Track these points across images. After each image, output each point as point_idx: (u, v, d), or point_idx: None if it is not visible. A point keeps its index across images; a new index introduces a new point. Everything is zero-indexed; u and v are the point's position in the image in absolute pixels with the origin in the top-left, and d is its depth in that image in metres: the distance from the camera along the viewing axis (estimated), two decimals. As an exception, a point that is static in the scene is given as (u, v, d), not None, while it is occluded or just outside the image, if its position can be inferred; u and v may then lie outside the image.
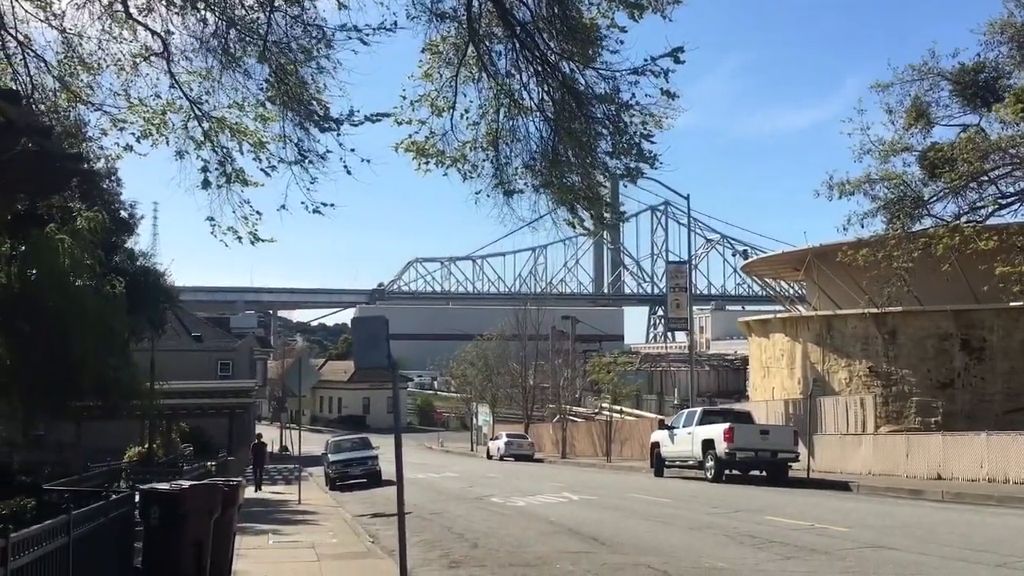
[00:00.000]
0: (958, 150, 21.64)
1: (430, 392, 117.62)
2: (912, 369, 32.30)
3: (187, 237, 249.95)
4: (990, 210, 22.50)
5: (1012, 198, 22.22)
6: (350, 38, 9.62)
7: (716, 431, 28.12)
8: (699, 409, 32.27)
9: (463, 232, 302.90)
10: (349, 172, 10.14)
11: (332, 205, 10.41)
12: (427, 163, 10.82)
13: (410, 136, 10.70)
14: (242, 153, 11.33)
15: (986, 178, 21.98)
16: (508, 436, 54.56)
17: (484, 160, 10.58)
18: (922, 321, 32.17)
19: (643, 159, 9.21)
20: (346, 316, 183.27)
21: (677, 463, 31.10)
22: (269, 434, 65.21)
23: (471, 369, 70.22)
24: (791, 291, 49.66)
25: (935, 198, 22.53)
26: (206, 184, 11.16)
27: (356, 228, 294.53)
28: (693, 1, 9.30)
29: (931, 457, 26.05)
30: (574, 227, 9.98)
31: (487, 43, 10.13)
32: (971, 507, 19.76)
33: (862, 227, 22.93)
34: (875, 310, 31.83)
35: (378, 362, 9.73)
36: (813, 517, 16.67)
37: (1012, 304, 25.73)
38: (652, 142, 9.13)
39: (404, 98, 10.49)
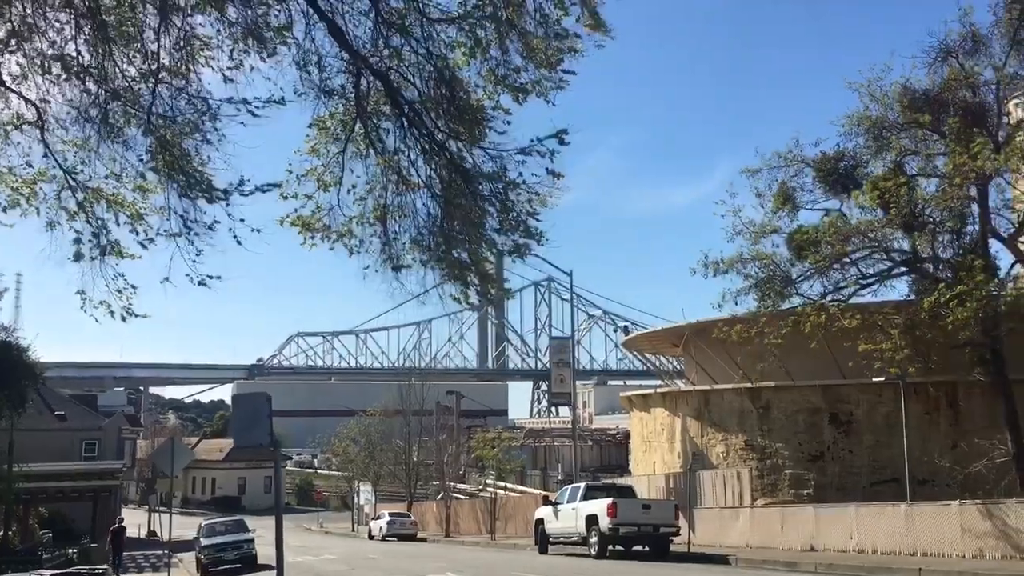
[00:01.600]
0: (822, 233, 22.87)
1: (310, 471, 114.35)
2: (785, 442, 33.38)
3: (54, 310, 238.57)
4: (852, 290, 23.73)
5: (872, 279, 23.53)
6: (239, 111, 9.56)
7: (600, 506, 28.24)
8: (583, 484, 32.44)
9: (346, 306, 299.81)
10: (239, 242, 10.00)
11: (219, 277, 10.19)
12: (313, 238, 10.74)
13: (296, 211, 10.61)
14: (118, 225, 11.01)
15: (848, 260, 23.22)
16: (390, 515, 53.40)
17: (372, 235, 10.56)
18: (793, 396, 33.41)
19: (530, 236, 9.41)
20: (222, 392, 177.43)
21: (561, 539, 30.99)
22: (137, 518, 61.88)
23: (353, 446, 68.75)
24: (671, 366, 50.90)
25: (802, 278, 23.61)
26: (78, 256, 10.77)
27: (235, 302, 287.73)
28: (577, 80, 9.64)
29: (804, 529, 26.81)
30: (460, 302, 10.04)
31: (375, 120, 10.21)
32: (843, 577, 20.36)
33: (736, 304, 23.78)
34: (749, 385, 32.92)
35: (259, 440, 9.45)
36: (694, 591, 16.84)
37: (875, 380, 27.01)
38: (538, 219, 9.36)
39: (290, 172, 10.43)
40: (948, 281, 21.42)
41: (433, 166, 10.03)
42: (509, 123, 9.38)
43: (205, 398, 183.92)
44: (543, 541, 32.07)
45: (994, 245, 23.20)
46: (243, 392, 11.46)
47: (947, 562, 21.16)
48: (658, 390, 42.62)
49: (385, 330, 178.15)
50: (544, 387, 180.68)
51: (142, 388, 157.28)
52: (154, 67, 9.63)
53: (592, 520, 28.32)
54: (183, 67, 9.66)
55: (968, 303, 20.20)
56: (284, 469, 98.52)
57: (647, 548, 28.38)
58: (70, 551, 27.10)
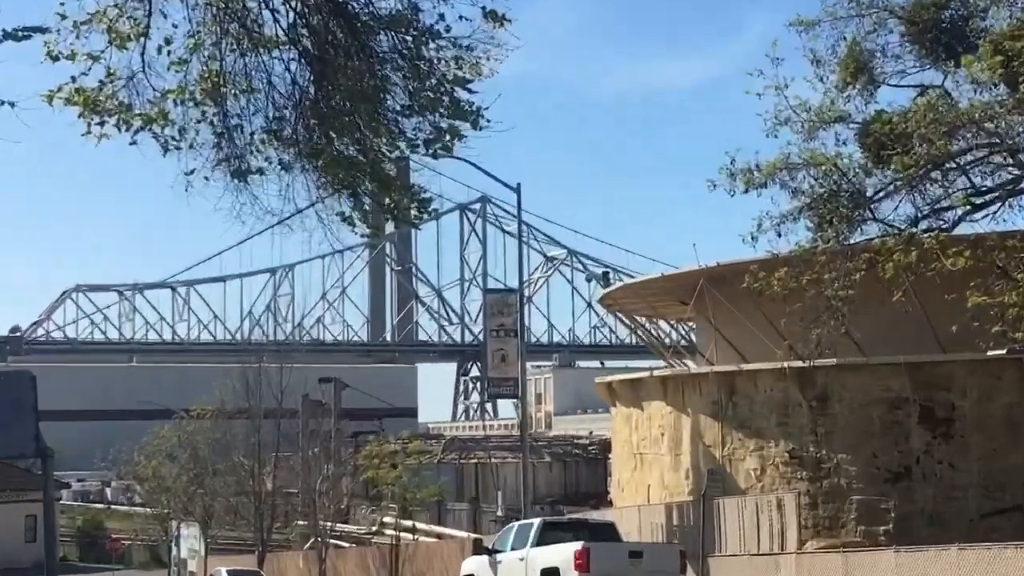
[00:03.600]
0: (914, 123, 23.05)
1: (99, 506, 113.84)
2: (851, 452, 34.03)
3: None
4: (959, 213, 24.06)
5: (991, 194, 23.83)
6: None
7: (563, 555, 28.51)
8: (536, 522, 32.69)
9: (156, 244, 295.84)
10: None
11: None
12: (102, 123, 10.62)
13: (74, 79, 10.46)
14: None
15: (953, 165, 23.49)
16: (229, 573, 53.53)
17: (200, 120, 10.49)
18: (864, 379, 34.00)
19: (458, 115, 9.34)
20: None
21: (503, 608, 31.30)
22: None
23: (169, 466, 68.48)
24: (674, 336, 51.38)
25: (882, 193, 23.85)
26: None
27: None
28: None
29: (881, 584, 27.49)
30: (351, 225, 9.98)
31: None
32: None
33: (779, 236, 23.92)
34: (798, 363, 33.33)
35: (18, 449, 9.33)
36: None
37: (991, 354, 27.58)
38: (470, 91, 9.29)
39: (63, 17, 10.24)
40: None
41: (299, 8, 9.92)
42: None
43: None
44: (475, 609, 32.41)
45: None
46: (-9, 372, 11.38)
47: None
48: (655, 373, 43.02)
49: (220, 281, 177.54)
50: (475, 372, 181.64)
51: None
52: None
53: (551, 575, 28.65)
54: None
55: None
56: (58, 503, 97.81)
57: (637, 618, 28.82)
58: None
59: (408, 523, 57.80)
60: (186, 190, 10.59)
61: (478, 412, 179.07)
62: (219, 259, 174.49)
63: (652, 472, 40.19)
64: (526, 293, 67.11)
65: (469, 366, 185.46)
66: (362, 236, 10.37)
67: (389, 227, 13.44)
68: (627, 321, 53.07)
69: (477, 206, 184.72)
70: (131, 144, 10.66)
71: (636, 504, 39.28)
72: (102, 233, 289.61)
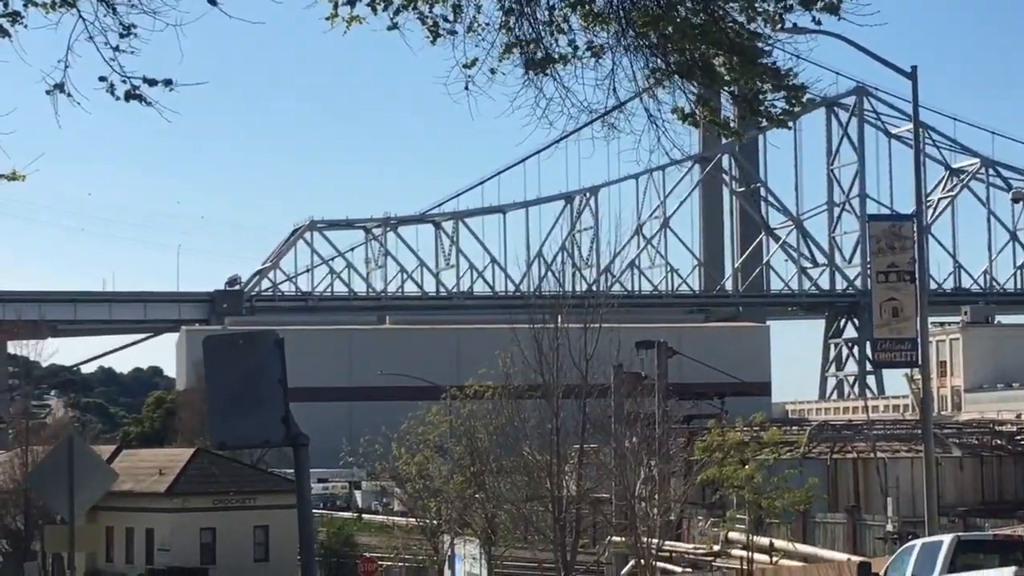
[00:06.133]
0: None
1: (347, 515, 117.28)
2: None
3: None
4: None
5: None
6: None
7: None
8: (947, 540, 32.42)
9: (417, 168, 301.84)
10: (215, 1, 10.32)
11: (168, 83, 10.46)
12: (352, 2, 10.84)
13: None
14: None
15: None
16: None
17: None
18: None
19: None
20: (158, 351, 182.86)
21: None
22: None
23: (439, 463, 69.89)
24: None
25: None
26: None
27: (171, 172, 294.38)
28: None
29: None
30: (697, 125, 9.88)
31: None
32: None
33: None
34: None
35: (264, 435, 9.62)
36: None
37: None
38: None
39: None
40: None
41: None
42: None
43: (123, 364, 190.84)
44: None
45: None
46: (222, 334, 11.78)
47: None
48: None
49: (498, 212, 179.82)
50: (851, 331, 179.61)
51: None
52: None
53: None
54: None
55: None
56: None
57: None
58: None
59: (763, 540, 57.91)
60: (466, 88, 10.74)
61: (855, 388, 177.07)
62: (496, 183, 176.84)
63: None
64: (925, 219, 65.85)
65: (842, 324, 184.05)
66: (726, 136, 10.33)
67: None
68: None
69: (850, 101, 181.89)
70: (390, 29, 10.83)
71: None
72: (344, 152, 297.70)
